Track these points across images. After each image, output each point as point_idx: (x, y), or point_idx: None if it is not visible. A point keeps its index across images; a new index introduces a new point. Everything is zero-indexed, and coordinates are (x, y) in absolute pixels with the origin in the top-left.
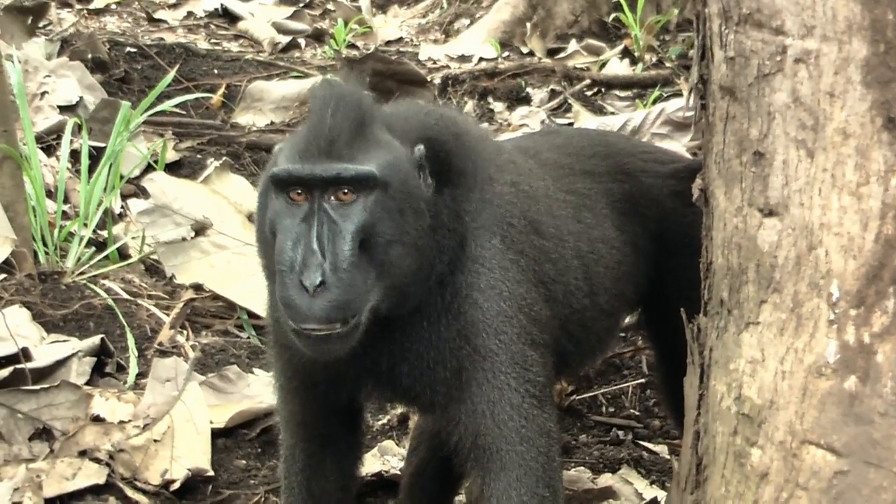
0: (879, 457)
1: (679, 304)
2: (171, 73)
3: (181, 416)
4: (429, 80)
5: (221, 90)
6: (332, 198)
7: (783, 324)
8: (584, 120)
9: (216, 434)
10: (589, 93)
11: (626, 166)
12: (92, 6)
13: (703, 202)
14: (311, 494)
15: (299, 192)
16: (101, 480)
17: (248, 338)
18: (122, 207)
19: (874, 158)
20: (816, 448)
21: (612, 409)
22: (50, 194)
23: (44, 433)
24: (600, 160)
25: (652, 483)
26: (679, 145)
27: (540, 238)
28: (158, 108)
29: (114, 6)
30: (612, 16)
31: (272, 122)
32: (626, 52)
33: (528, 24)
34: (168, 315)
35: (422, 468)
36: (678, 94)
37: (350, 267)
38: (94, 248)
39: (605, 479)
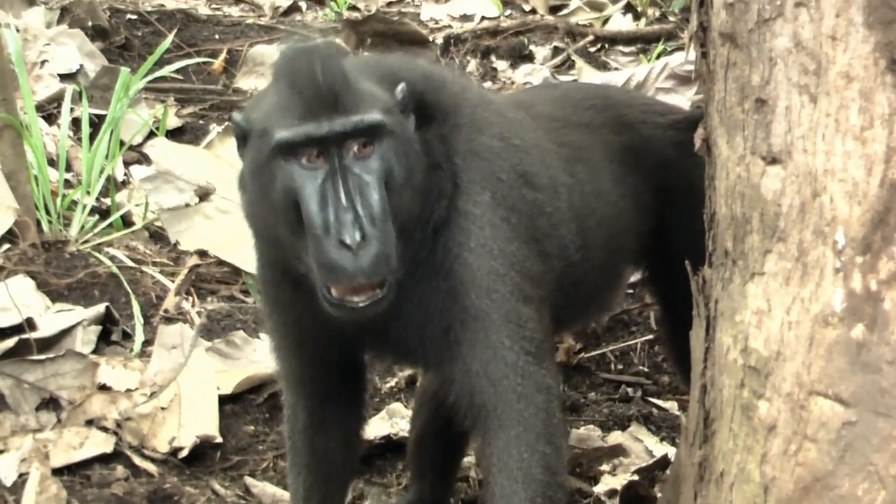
0: (888, 406)
1: (682, 256)
2: (169, 38)
3: (188, 382)
4: (431, 39)
5: (223, 55)
6: (351, 153)
7: (789, 273)
8: (588, 76)
9: (223, 400)
10: (592, 49)
11: (625, 118)
12: None
13: (706, 151)
14: (314, 452)
15: (315, 153)
16: (109, 449)
17: (254, 302)
18: (125, 174)
19: (878, 101)
20: (824, 399)
21: (620, 366)
22: (52, 163)
23: (50, 403)
24: (598, 112)
25: (662, 440)
26: (683, 99)
27: (532, 191)
28: (158, 73)
29: None
30: None
31: None
32: (628, 7)
33: None
34: (173, 282)
35: (426, 431)
36: (682, 49)
37: (386, 217)
38: (97, 216)
39: (615, 437)
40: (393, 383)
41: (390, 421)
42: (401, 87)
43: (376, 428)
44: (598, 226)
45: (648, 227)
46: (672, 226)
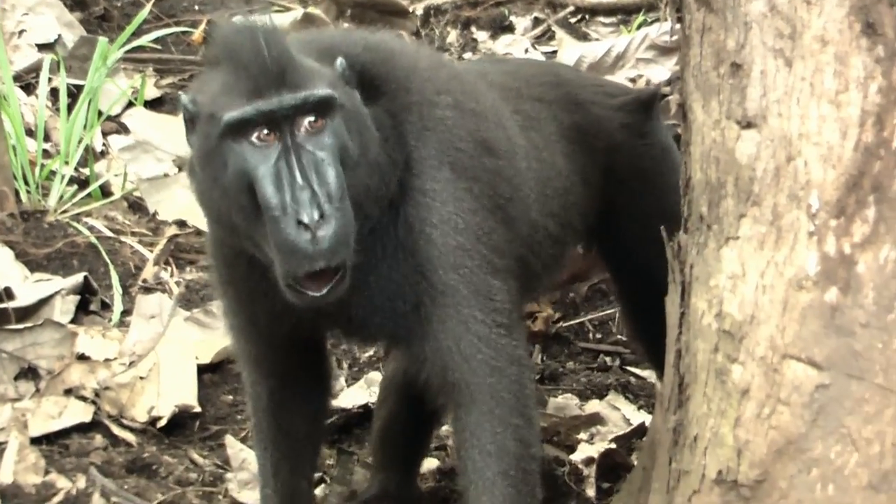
0: (861, 368)
1: (631, 235)
2: (147, 7)
3: (167, 352)
4: (411, 10)
5: (203, 26)
6: (303, 129)
7: (763, 237)
8: (568, 47)
9: (202, 370)
10: (573, 20)
11: (576, 97)
12: None
13: (681, 117)
14: (279, 428)
15: (266, 131)
16: (88, 418)
17: None
18: (104, 145)
19: (853, 65)
20: (797, 362)
21: (598, 336)
22: (30, 133)
23: (29, 372)
24: (549, 88)
25: (640, 408)
26: (664, 69)
27: (493, 158)
28: (137, 43)
29: None
30: None
31: None
32: None
33: None
34: (152, 251)
35: (391, 421)
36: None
37: (343, 194)
38: (75, 187)
39: (593, 406)
40: (371, 352)
41: (368, 390)
42: (339, 61)
43: (355, 396)
44: (554, 192)
45: (596, 208)
46: (623, 207)
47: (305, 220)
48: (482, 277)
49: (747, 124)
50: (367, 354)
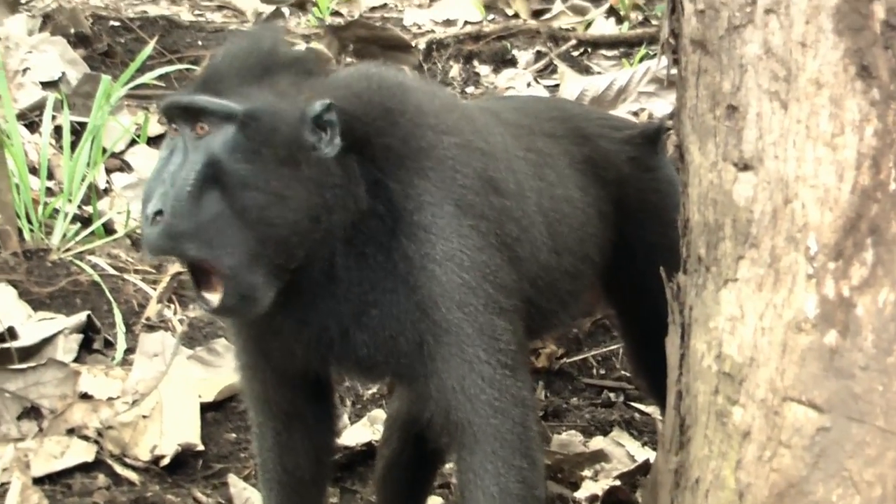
0: (861, 411)
1: (640, 270)
2: (151, 45)
3: (170, 390)
4: (413, 45)
5: (205, 61)
6: (194, 131)
7: (761, 279)
8: (570, 80)
9: (205, 408)
10: (575, 53)
11: (584, 130)
12: None
13: (678, 158)
14: (284, 469)
15: (174, 126)
16: (91, 458)
17: None
18: (107, 182)
19: (848, 108)
20: (798, 404)
21: (602, 371)
22: (33, 171)
23: (32, 412)
24: (559, 123)
25: (644, 444)
26: (666, 103)
27: (500, 197)
28: (140, 80)
29: None
30: None
31: None
32: (611, 11)
33: None
34: (155, 289)
35: (394, 459)
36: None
37: (187, 197)
38: (79, 224)
39: (597, 442)
40: (375, 390)
41: (372, 427)
42: (320, 103)
43: (358, 434)
44: (570, 230)
45: (610, 240)
46: (630, 240)
47: (146, 211)
48: (487, 317)
49: (744, 166)
50: (370, 392)
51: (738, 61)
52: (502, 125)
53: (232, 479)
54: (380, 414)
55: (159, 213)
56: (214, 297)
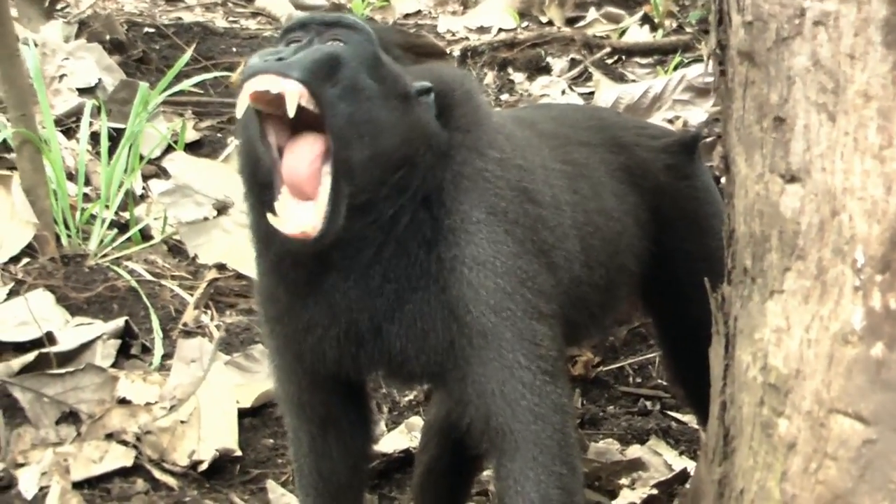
0: None
1: (674, 278)
2: (188, 53)
3: (207, 396)
4: (448, 52)
5: (240, 68)
6: (325, 37)
7: (808, 291)
8: (605, 88)
9: (242, 413)
10: (609, 61)
11: (621, 139)
12: None
13: (724, 169)
14: (320, 475)
15: (298, 33)
16: (129, 462)
17: None
18: (144, 188)
19: None
20: (844, 417)
21: (639, 380)
22: (71, 177)
23: (70, 417)
24: (595, 132)
25: (681, 453)
26: (701, 111)
27: (535, 206)
28: (177, 87)
29: None
30: None
31: None
32: (645, 19)
33: None
34: (192, 295)
35: (432, 465)
36: (699, 60)
37: (313, 66)
38: (116, 230)
39: (634, 451)
40: (411, 396)
41: (409, 434)
42: (424, 84)
43: (395, 441)
44: (602, 243)
45: (647, 248)
46: (667, 249)
47: (270, 57)
48: (527, 322)
49: (791, 178)
50: (406, 398)
51: (786, 73)
52: (539, 136)
53: (270, 484)
54: (417, 421)
55: (280, 59)
56: (307, 210)
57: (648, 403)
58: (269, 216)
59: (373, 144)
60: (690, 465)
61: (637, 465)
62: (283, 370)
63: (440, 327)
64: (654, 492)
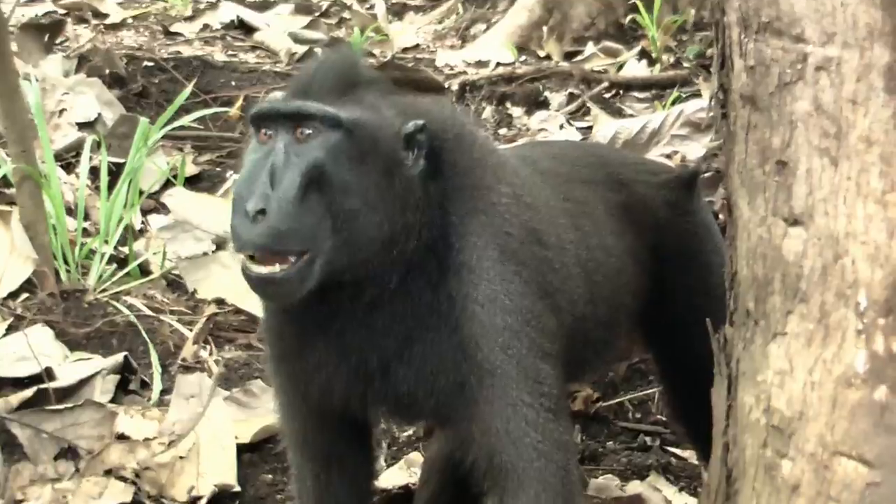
0: None
1: (675, 314)
2: (189, 88)
3: (206, 431)
4: (446, 86)
5: (239, 102)
6: (293, 136)
7: (811, 334)
8: (603, 123)
9: (242, 449)
10: (607, 95)
11: (620, 176)
12: (108, 21)
13: (727, 212)
14: None
15: (268, 131)
16: (128, 499)
17: None
18: (143, 223)
19: None
20: (848, 459)
21: (638, 415)
22: (70, 212)
23: (69, 452)
24: (595, 170)
25: (681, 489)
26: (699, 146)
27: (542, 248)
28: (177, 123)
29: (130, 21)
30: (629, 17)
31: None
32: (643, 54)
33: (545, 28)
34: (191, 330)
35: (432, 502)
36: (697, 95)
37: (293, 199)
38: (115, 265)
39: (634, 487)
40: (410, 432)
41: (408, 470)
42: (413, 123)
43: (394, 477)
44: (604, 279)
45: (646, 285)
46: (667, 285)
47: (248, 208)
48: (531, 361)
49: (794, 222)
50: (406, 434)
51: (789, 117)
52: (542, 174)
53: None
54: (416, 457)
55: (261, 212)
56: (266, 269)
57: (648, 439)
58: (243, 257)
59: (358, 241)
60: (691, 502)
61: (637, 501)
62: (289, 407)
63: (450, 367)
64: None
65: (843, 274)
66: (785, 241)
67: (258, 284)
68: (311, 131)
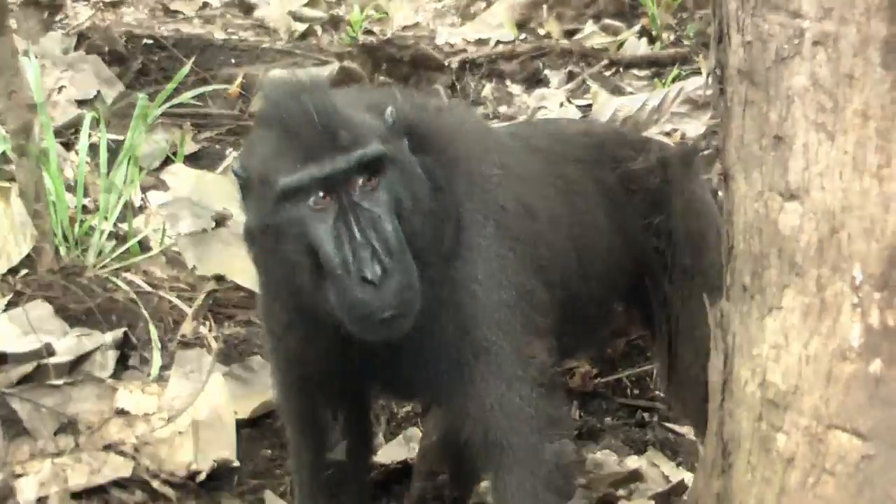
0: None
1: (671, 291)
2: (188, 65)
3: (206, 407)
4: (446, 64)
5: (239, 80)
6: (357, 188)
7: (807, 308)
8: (603, 101)
9: (241, 424)
10: (607, 73)
11: (615, 154)
12: None
13: (724, 187)
14: (322, 486)
15: (322, 195)
16: (127, 473)
17: None
18: (142, 200)
19: (894, 140)
20: (842, 432)
21: (636, 391)
22: (70, 189)
23: (69, 427)
24: (590, 149)
25: (678, 465)
26: (699, 124)
27: (534, 222)
28: (176, 100)
29: None
30: None
31: None
32: (643, 32)
33: (545, 6)
34: (190, 306)
35: (430, 478)
36: (697, 73)
37: (403, 247)
38: (115, 242)
39: (632, 462)
40: (409, 408)
41: (407, 446)
42: (389, 110)
43: (393, 453)
44: (597, 257)
45: (638, 264)
46: (665, 263)
47: (369, 276)
48: (525, 337)
49: (790, 196)
50: (405, 410)
51: (786, 93)
52: (532, 151)
53: (268, 495)
54: (415, 432)
55: (384, 272)
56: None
57: (646, 415)
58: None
59: (422, 248)
60: (688, 477)
61: (635, 476)
62: (287, 385)
63: (451, 348)
64: (652, 503)
65: (839, 248)
66: (781, 216)
67: (382, 327)
68: (370, 177)
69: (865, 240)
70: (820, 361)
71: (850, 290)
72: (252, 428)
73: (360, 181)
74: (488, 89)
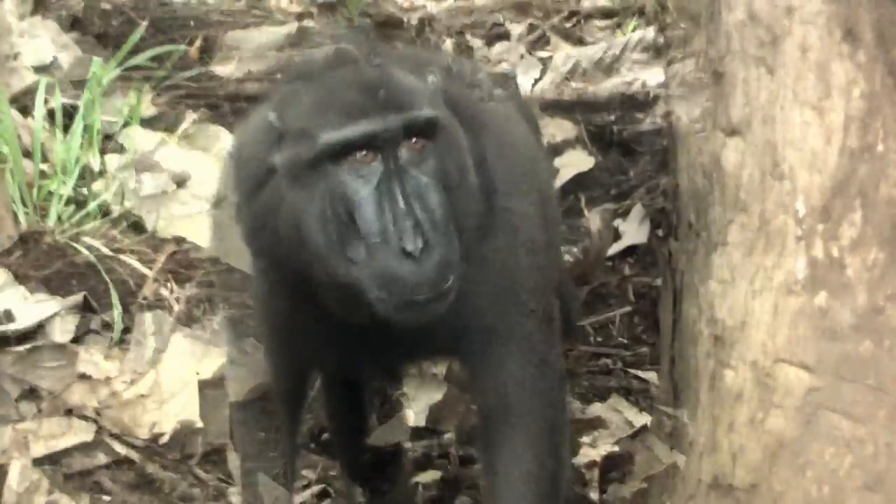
0: (852, 371)
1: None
2: (143, 26)
3: (168, 369)
4: (405, 20)
5: (198, 42)
6: (405, 152)
7: (751, 243)
8: (563, 51)
9: (204, 385)
10: (568, 24)
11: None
12: None
13: (668, 127)
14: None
15: (366, 153)
16: (90, 437)
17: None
18: (101, 164)
19: (834, 72)
20: (789, 366)
21: (599, 339)
22: (28, 155)
23: (31, 393)
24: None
25: (641, 410)
26: (659, 71)
27: (540, 183)
28: (132, 62)
29: None
30: None
31: (250, 72)
32: None
33: None
34: (151, 269)
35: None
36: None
37: (448, 221)
38: (74, 206)
39: (595, 409)
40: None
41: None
42: (431, 77)
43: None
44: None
45: None
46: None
47: (409, 248)
48: (550, 299)
49: (732, 132)
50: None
51: (724, 28)
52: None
53: (232, 455)
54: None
55: (426, 246)
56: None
57: (609, 362)
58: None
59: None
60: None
61: (598, 423)
62: (280, 368)
63: (489, 311)
64: (616, 449)
65: (782, 182)
66: (724, 152)
67: (418, 309)
68: (421, 140)
69: (808, 172)
70: (766, 296)
71: (794, 224)
72: (215, 389)
73: (410, 144)
74: (449, 44)
